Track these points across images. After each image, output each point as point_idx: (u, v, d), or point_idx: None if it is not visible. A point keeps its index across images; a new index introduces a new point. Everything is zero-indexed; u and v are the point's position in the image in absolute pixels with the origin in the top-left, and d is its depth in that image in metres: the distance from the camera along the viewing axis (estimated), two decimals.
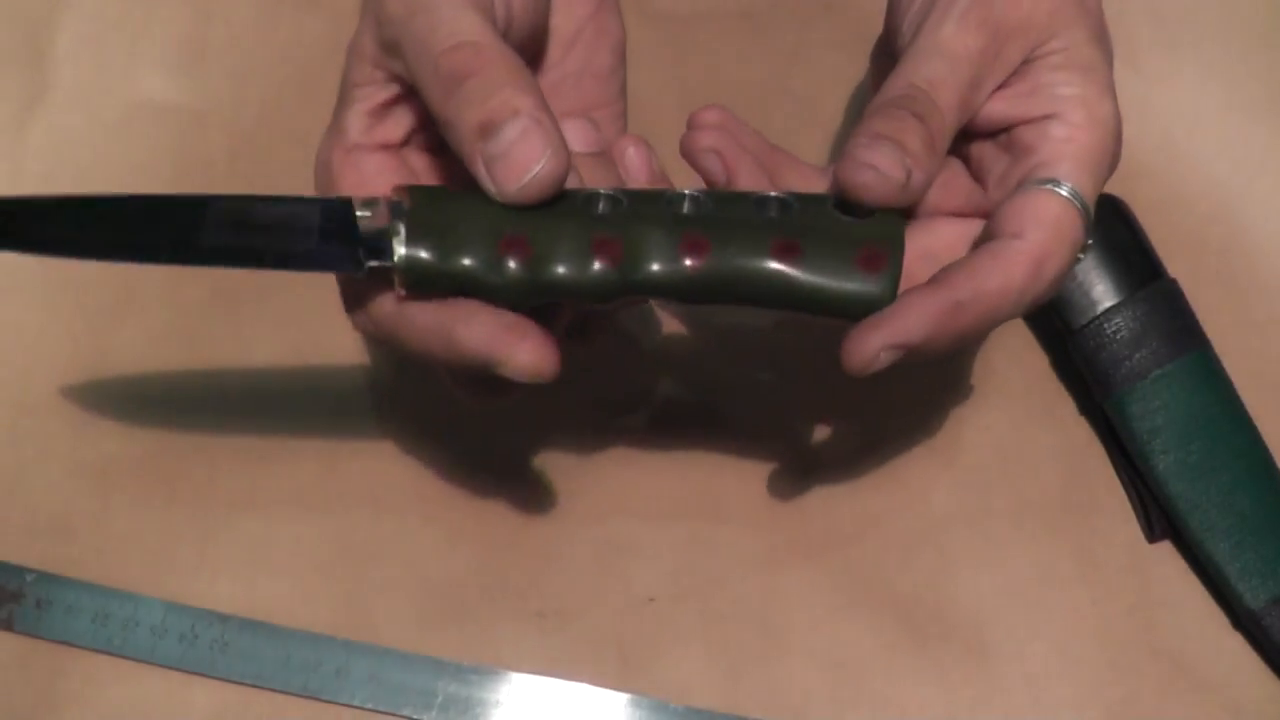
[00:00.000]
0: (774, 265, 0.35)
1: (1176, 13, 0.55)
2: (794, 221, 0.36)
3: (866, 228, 0.36)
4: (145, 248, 0.35)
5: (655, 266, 0.35)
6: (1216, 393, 0.48)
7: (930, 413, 0.49)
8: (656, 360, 0.50)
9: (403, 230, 0.35)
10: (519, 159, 0.34)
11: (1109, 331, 0.47)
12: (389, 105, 0.37)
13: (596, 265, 0.35)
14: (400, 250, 0.35)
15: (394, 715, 0.45)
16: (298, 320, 0.49)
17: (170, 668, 0.45)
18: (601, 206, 0.36)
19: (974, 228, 0.39)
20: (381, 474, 0.48)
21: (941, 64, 0.37)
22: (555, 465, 0.48)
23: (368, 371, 0.49)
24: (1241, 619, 0.47)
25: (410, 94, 0.36)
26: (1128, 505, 0.49)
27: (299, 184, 0.38)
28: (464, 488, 0.48)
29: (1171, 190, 0.52)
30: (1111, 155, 0.38)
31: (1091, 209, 0.37)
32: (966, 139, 0.39)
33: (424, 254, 0.35)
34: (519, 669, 0.45)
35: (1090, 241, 0.38)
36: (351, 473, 0.48)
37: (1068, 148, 0.37)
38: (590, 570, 0.47)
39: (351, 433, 0.48)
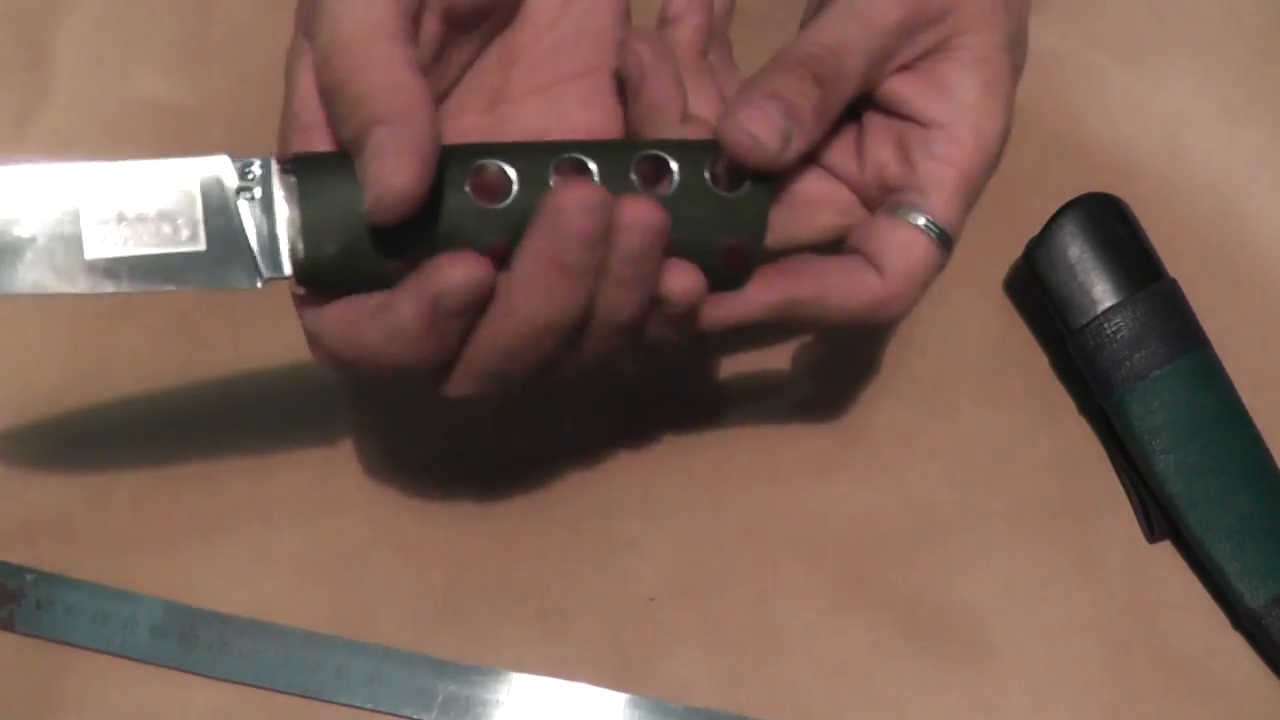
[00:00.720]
0: None
1: (1177, 13, 0.55)
2: (667, 191, 0.36)
3: (736, 206, 0.36)
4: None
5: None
6: (1216, 393, 0.48)
7: (930, 413, 0.49)
8: (656, 360, 0.50)
9: (296, 219, 0.34)
10: (374, 177, 0.33)
11: (1109, 331, 0.47)
12: None
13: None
14: (293, 246, 0.34)
15: (394, 715, 0.45)
16: (298, 320, 0.49)
17: (170, 668, 0.45)
18: (487, 162, 0.35)
19: (843, 193, 0.40)
20: (381, 474, 0.48)
21: (856, 29, 0.37)
22: (555, 465, 0.48)
23: (367, 375, 0.49)
24: (1241, 619, 0.47)
25: None
26: (1128, 505, 0.49)
27: None
28: (464, 488, 0.48)
29: (1171, 190, 0.52)
30: (990, 168, 0.39)
31: (957, 235, 0.39)
32: (862, 106, 0.39)
33: (326, 249, 0.34)
34: (519, 669, 0.45)
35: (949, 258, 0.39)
36: (351, 473, 0.48)
37: (946, 174, 0.38)
38: (590, 570, 0.47)
39: (352, 433, 0.48)
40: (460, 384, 0.37)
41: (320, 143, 0.35)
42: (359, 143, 0.33)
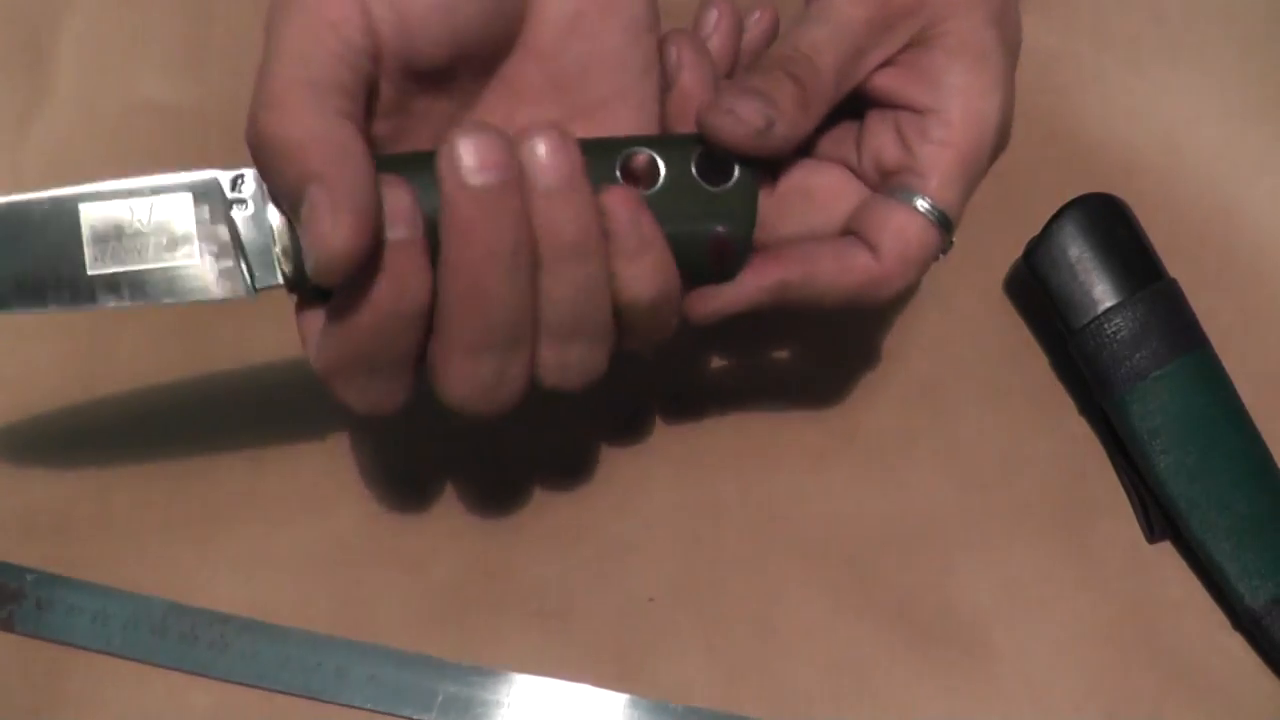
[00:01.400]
0: None
1: (1177, 14, 0.55)
2: (654, 186, 0.36)
3: (723, 200, 0.37)
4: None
5: None
6: (1216, 393, 0.48)
7: (930, 413, 0.49)
8: (656, 361, 0.50)
9: (285, 228, 0.35)
10: (313, 240, 0.32)
11: (1109, 332, 0.47)
12: None
13: None
14: (283, 253, 0.35)
15: (394, 715, 0.45)
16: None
17: (170, 668, 0.45)
18: None
19: (856, 185, 0.40)
20: (381, 474, 0.48)
21: (826, 30, 0.38)
22: (555, 466, 0.48)
23: None
24: (1241, 619, 0.47)
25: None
26: (1128, 505, 0.49)
27: None
28: (464, 488, 0.48)
29: (1171, 190, 0.52)
30: (990, 150, 0.39)
31: (957, 216, 0.39)
32: (863, 106, 0.40)
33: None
34: (519, 669, 0.45)
35: (953, 242, 0.40)
36: (352, 473, 0.48)
37: (942, 156, 0.38)
38: (590, 571, 0.47)
39: (352, 433, 0.48)
40: (445, 379, 0.36)
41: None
42: (293, 201, 0.33)
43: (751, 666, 0.46)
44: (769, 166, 0.39)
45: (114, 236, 0.35)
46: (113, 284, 0.35)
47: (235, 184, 0.35)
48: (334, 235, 0.31)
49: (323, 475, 0.48)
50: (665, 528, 0.47)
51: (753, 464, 0.48)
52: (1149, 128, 0.53)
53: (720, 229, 0.37)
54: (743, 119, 0.36)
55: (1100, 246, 0.48)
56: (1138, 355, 0.47)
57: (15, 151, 0.52)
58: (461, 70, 0.37)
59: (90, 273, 0.35)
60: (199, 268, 0.35)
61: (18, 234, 0.35)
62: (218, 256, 0.35)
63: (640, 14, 0.38)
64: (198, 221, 0.35)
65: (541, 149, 0.33)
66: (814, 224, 0.40)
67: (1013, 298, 0.51)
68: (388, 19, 0.34)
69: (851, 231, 0.39)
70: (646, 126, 0.38)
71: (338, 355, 0.35)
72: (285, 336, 0.49)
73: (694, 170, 0.36)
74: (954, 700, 0.46)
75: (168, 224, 0.35)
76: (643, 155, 0.36)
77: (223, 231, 0.35)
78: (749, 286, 0.38)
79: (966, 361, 0.50)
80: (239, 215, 0.35)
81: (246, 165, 0.35)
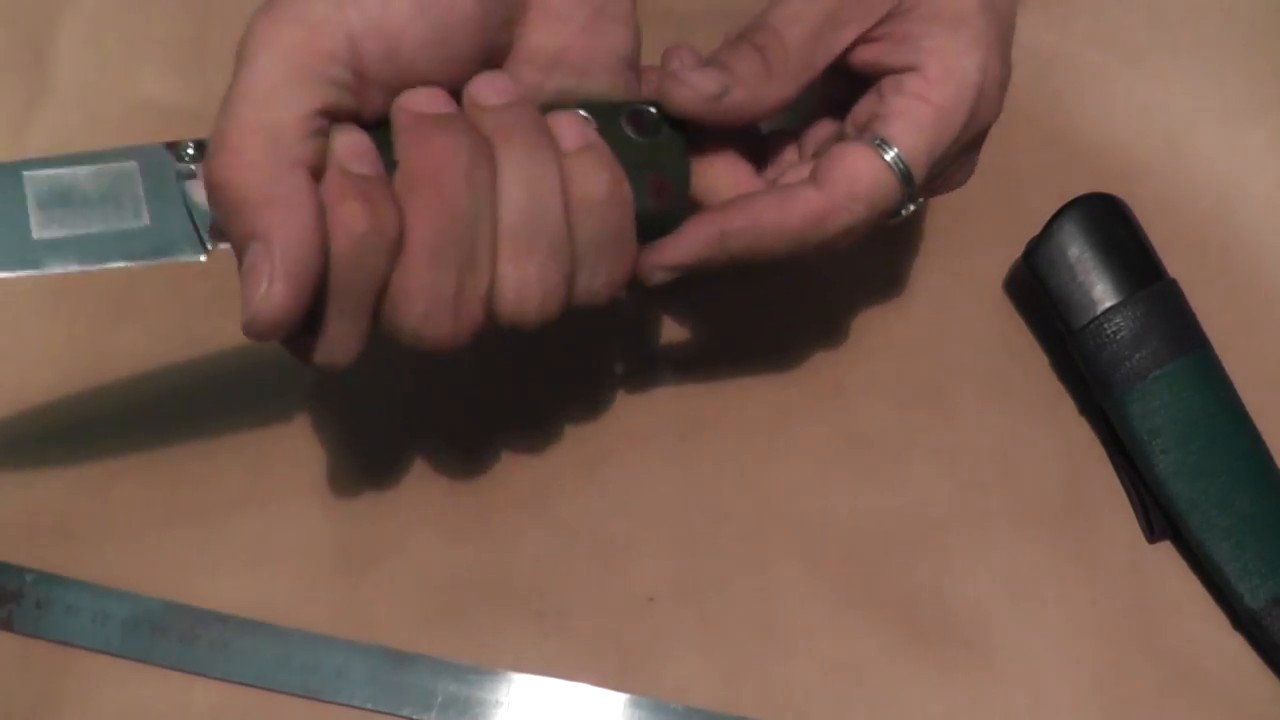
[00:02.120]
0: None
1: (1177, 14, 0.55)
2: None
3: (654, 150, 0.38)
4: None
5: None
6: (1216, 393, 0.48)
7: (930, 413, 0.49)
8: (656, 361, 0.50)
9: None
10: (246, 298, 0.32)
11: (1109, 331, 0.47)
12: None
13: None
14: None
15: (394, 715, 0.45)
16: None
17: (170, 668, 0.45)
18: None
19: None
20: (381, 474, 0.48)
21: (798, 3, 0.39)
22: (555, 465, 0.48)
23: (369, 372, 0.49)
24: (1241, 619, 0.47)
25: None
26: (1128, 505, 0.49)
27: None
28: (464, 488, 0.48)
29: (1171, 190, 0.52)
30: (969, 110, 0.39)
31: (920, 170, 0.39)
32: (852, 90, 0.41)
33: None
34: (519, 669, 0.45)
35: (920, 201, 0.40)
36: (352, 472, 0.48)
37: (912, 106, 0.39)
38: (590, 570, 0.47)
39: (352, 434, 0.48)
40: (403, 297, 0.35)
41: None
42: (237, 250, 0.33)
43: (751, 666, 0.46)
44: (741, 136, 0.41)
45: (60, 203, 0.35)
46: (59, 247, 0.35)
47: (180, 154, 0.36)
48: (266, 301, 0.32)
49: (323, 475, 0.48)
50: (665, 527, 0.47)
51: (753, 463, 0.48)
52: (1149, 128, 0.53)
53: (656, 171, 0.38)
54: (695, 86, 0.38)
55: (1100, 246, 0.48)
56: (1138, 355, 0.47)
57: (15, 151, 0.52)
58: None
59: (37, 237, 0.35)
60: (147, 230, 0.35)
61: None
62: (167, 218, 0.35)
63: (625, 51, 0.39)
64: (145, 188, 0.35)
65: (484, 80, 0.36)
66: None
67: (1013, 298, 0.51)
68: (375, 51, 0.34)
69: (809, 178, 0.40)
70: None
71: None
72: None
73: (625, 127, 0.38)
74: (954, 700, 0.46)
75: (115, 190, 0.35)
76: (574, 112, 0.38)
77: (172, 194, 0.35)
78: (690, 238, 0.39)
79: (966, 361, 0.50)
80: (184, 182, 0.35)
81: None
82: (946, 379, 0.50)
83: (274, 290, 0.32)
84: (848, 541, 0.48)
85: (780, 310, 0.51)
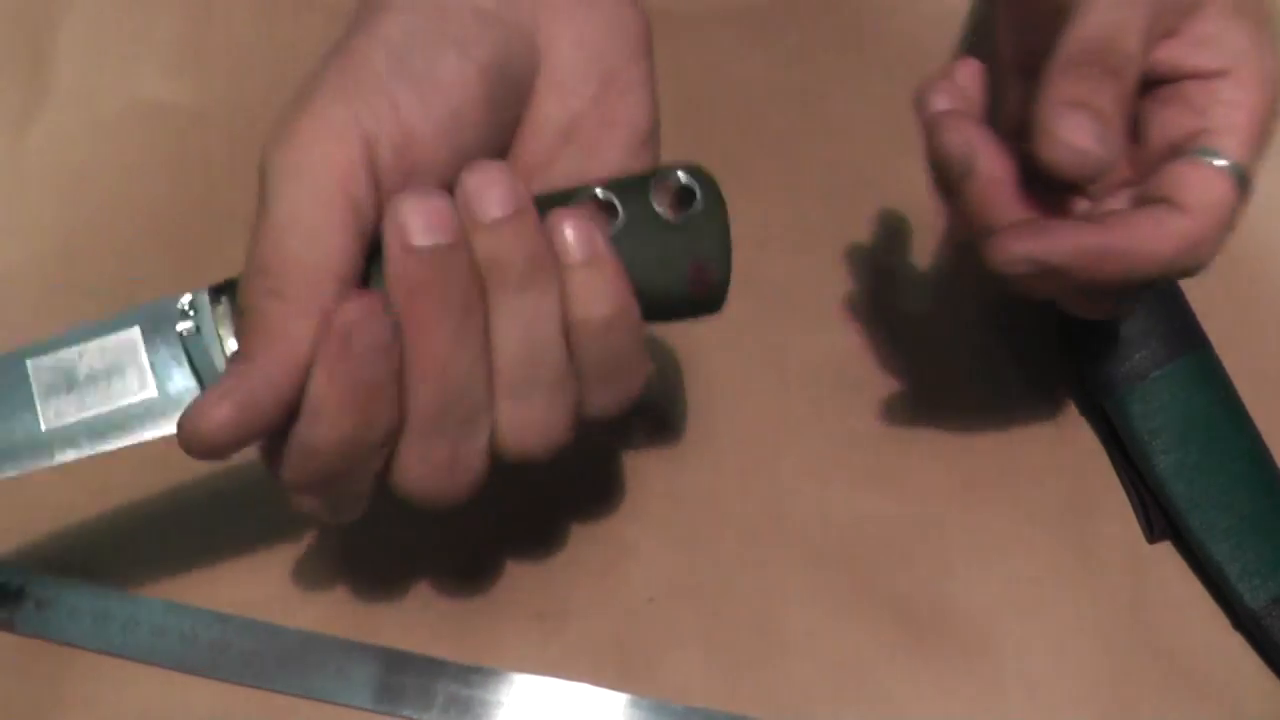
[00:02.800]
0: None
1: None
2: (619, 227, 0.34)
3: (690, 229, 0.35)
4: None
5: None
6: (1216, 393, 0.48)
7: (930, 413, 0.49)
8: (656, 361, 0.50)
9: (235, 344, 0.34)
10: (189, 411, 0.32)
11: (1109, 331, 0.47)
12: None
13: None
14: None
15: (394, 715, 0.45)
16: None
17: (170, 668, 0.45)
18: None
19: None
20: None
21: (1125, 8, 0.36)
22: (555, 465, 0.48)
23: None
24: (1241, 619, 0.47)
25: None
26: (1128, 505, 0.49)
27: None
28: None
29: None
30: (1275, 111, 0.38)
31: (1252, 177, 0.37)
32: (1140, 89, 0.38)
33: None
34: (519, 669, 0.45)
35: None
36: None
37: (1238, 116, 0.37)
38: (590, 570, 0.47)
39: None
40: (401, 463, 0.34)
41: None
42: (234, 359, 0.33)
43: (751, 666, 0.46)
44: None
45: (65, 388, 0.35)
46: (69, 435, 0.35)
47: (182, 312, 0.34)
48: (208, 416, 0.31)
49: None
50: (665, 528, 0.47)
51: (753, 465, 0.48)
52: None
53: (694, 257, 0.35)
54: (1083, 151, 0.35)
55: None
56: (1138, 355, 0.47)
57: (15, 151, 0.52)
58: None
59: (45, 429, 0.35)
60: (154, 401, 0.35)
61: None
62: (171, 384, 0.35)
63: (641, 124, 0.36)
64: (149, 356, 0.35)
65: (483, 181, 0.32)
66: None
67: (1013, 298, 0.51)
68: (392, 145, 0.32)
69: (1150, 199, 0.37)
70: None
71: (309, 471, 0.34)
72: None
73: (653, 203, 0.34)
74: (954, 700, 0.46)
75: (119, 364, 0.35)
76: (596, 196, 0.34)
77: (173, 358, 0.35)
78: (1071, 239, 0.36)
79: (966, 361, 0.50)
80: (187, 339, 0.34)
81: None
82: (946, 379, 0.50)
83: (220, 407, 0.31)
84: (848, 542, 0.48)
85: (780, 310, 0.51)
